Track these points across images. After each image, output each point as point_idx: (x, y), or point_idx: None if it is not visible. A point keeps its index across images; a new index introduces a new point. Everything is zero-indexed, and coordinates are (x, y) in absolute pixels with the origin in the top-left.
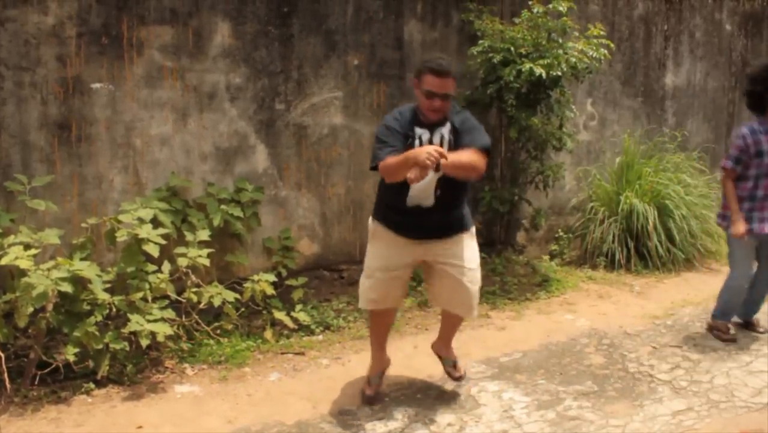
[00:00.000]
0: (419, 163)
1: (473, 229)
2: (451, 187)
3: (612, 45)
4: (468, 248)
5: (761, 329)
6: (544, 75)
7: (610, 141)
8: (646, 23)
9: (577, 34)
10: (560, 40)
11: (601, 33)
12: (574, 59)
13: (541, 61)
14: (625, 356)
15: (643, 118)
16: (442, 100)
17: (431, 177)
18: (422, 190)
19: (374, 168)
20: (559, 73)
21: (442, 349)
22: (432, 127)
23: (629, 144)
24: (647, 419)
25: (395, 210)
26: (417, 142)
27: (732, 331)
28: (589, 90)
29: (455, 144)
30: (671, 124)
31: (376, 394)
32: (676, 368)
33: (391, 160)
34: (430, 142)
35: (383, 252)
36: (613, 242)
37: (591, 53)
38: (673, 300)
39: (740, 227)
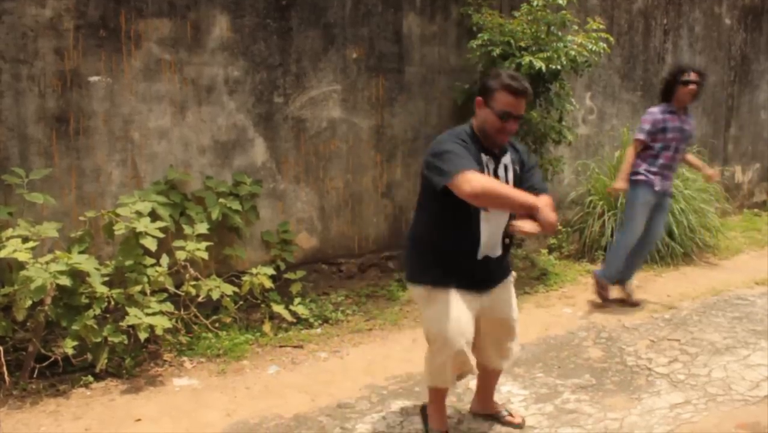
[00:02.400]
0: (546, 226)
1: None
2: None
3: (611, 39)
4: (514, 295)
5: (632, 300)
6: (543, 68)
7: (609, 135)
8: (645, 17)
9: (576, 27)
10: (560, 34)
11: (601, 27)
12: (573, 53)
13: (540, 55)
14: (623, 349)
15: (642, 112)
16: (515, 123)
17: (502, 221)
18: (492, 237)
19: (448, 181)
20: (559, 67)
21: (490, 405)
22: (496, 155)
23: (628, 138)
24: (645, 412)
25: (462, 256)
26: (485, 170)
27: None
28: (588, 84)
29: (520, 181)
30: None
31: None
32: (674, 362)
33: (493, 180)
34: (495, 173)
35: (454, 314)
36: (611, 235)
37: (590, 47)
38: (671, 294)
39: (620, 184)
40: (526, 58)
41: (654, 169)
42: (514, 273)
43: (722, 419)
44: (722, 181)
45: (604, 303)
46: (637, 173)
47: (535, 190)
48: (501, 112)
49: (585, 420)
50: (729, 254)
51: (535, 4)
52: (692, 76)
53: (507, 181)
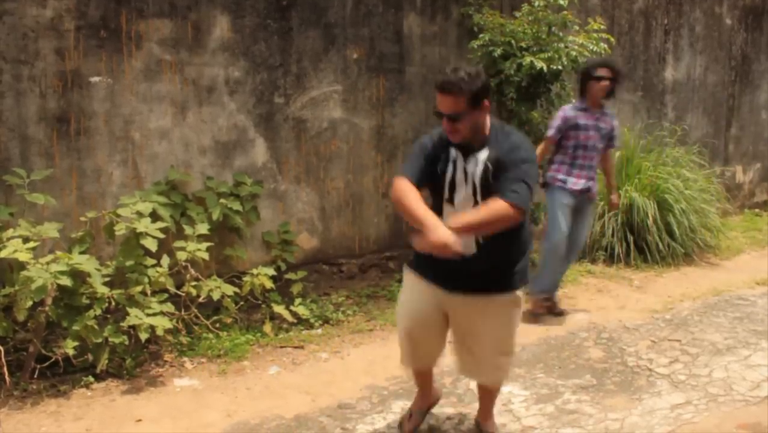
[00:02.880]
0: (427, 247)
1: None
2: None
3: (612, 39)
4: (502, 326)
5: (558, 311)
6: (544, 69)
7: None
8: (646, 17)
9: (577, 27)
10: (561, 34)
11: (602, 27)
12: (574, 53)
13: (541, 55)
14: (624, 349)
15: (643, 113)
16: (451, 122)
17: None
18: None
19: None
20: (560, 67)
21: (480, 418)
22: (467, 150)
23: (629, 138)
24: (646, 413)
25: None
26: (451, 166)
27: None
28: None
29: (494, 178)
30: (671, 118)
31: (414, 430)
32: (675, 362)
33: (408, 192)
34: (464, 169)
35: (406, 296)
36: (612, 236)
37: (591, 47)
38: (671, 294)
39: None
40: (527, 59)
41: (567, 168)
42: (517, 295)
43: (723, 420)
44: (723, 181)
45: (538, 320)
46: (552, 175)
47: (497, 192)
48: (435, 112)
49: (586, 421)
50: (730, 254)
51: (536, 4)
52: (603, 72)
53: (473, 177)
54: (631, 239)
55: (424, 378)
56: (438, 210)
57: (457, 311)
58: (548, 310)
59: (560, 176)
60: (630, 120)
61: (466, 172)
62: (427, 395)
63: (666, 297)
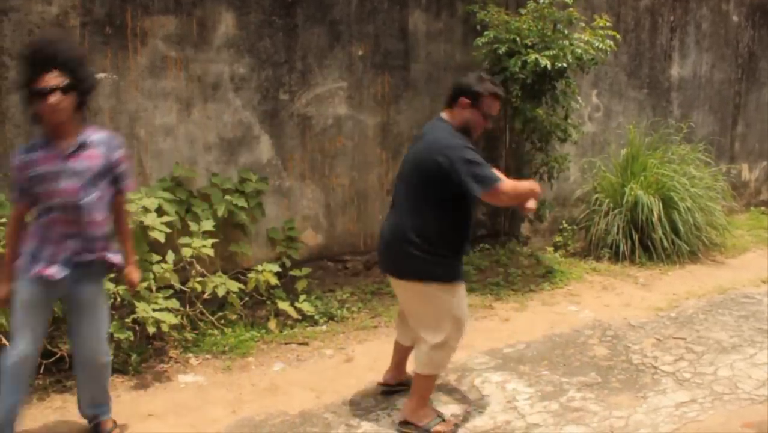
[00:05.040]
0: (537, 195)
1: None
2: None
3: (618, 36)
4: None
5: None
6: (549, 66)
7: (615, 132)
8: (652, 14)
9: (582, 25)
10: (566, 31)
11: (607, 24)
12: (579, 50)
13: (546, 52)
14: (628, 347)
15: (649, 110)
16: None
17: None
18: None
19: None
20: (565, 65)
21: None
22: None
23: (634, 135)
24: (650, 411)
25: (465, 244)
26: None
27: None
28: (595, 81)
29: None
30: (677, 115)
31: (385, 385)
32: (680, 360)
33: (514, 183)
34: None
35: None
36: (617, 233)
37: (597, 44)
38: (676, 292)
39: None
40: (532, 56)
41: (36, 245)
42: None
43: (728, 418)
44: (729, 179)
45: None
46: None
47: None
48: (488, 115)
49: (590, 418)
50: (736, 253)
51: (541, 1)
52: (50, 79)
53: None
54: (636, 236)
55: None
56: (469, 214)
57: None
58: None
59: (25, 258)
60: (636, 117)
61: None
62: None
63: (671, 295)
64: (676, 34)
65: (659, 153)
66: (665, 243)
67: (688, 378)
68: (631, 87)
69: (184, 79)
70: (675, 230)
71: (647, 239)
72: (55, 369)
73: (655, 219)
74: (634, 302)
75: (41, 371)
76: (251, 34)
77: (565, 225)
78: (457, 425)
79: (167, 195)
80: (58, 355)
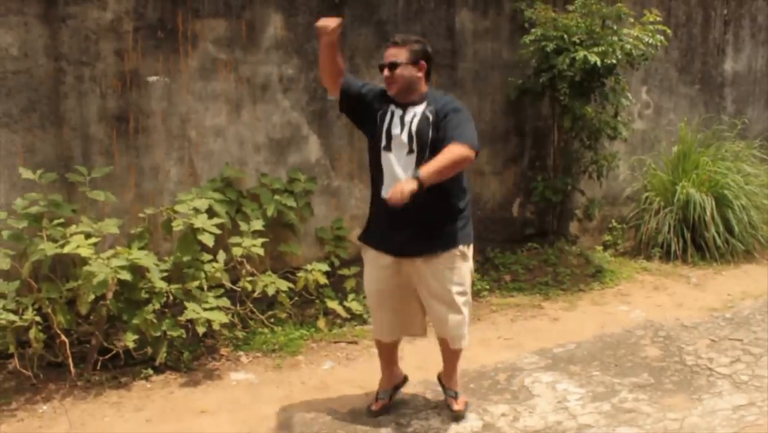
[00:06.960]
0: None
1: (465, 248)
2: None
3: (669, 31)
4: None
5: None
6: (598, 63)
7: (665, 130)
8: (704, 8)
9: (632, 20)
10: (615, 27)
11: (657, 19)
12: (629, 46)
13: (595, 49)
14: (682, 348)
15: (701, 106)
16: (390, 70)
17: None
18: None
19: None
20: (614, 61)
21: (444, 377)
22: (405, 105)
23: (686, 132)
24: (706, 414)
25: (376, 216)
26: (388, 116)
27: None
28: (644, 78)
29: (435, 128)
30: (730, 111)
31: (382, 409)
32: (737, 362)
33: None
34: (402, 120)
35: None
36: (668, 232)
37: (647, 40)
38: (731, 292)
39: None
40: (581, 53)
41: None
42: (464, 247)
43: None
44: None
45: None
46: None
47: (449, 139)
48: (378, 64)
49: (644, 420)
50: None
51: None
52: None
53: (409, 126)
54: (688, 235)
55: (389, 355)
56: (376, 161)
57: (411, 273)
58: None
59: None
60: (687, 114)
61: (402, 122)
62: (391, 375)
63: (725, 295)
64: (730, 27)
65: (712, 150)
66: (718, 242)
67: (746, 381)
68: (683, 83)
69: (233, 81)
70: (729, 229)
71: (700, 238)
72: (111, 365)
73: (707, 217)
74: (687, 302)
75: (98, 367)
76: (299, 36)
77: (615, 224)
78: None
79: (217, 195)
80: (114, 351)
